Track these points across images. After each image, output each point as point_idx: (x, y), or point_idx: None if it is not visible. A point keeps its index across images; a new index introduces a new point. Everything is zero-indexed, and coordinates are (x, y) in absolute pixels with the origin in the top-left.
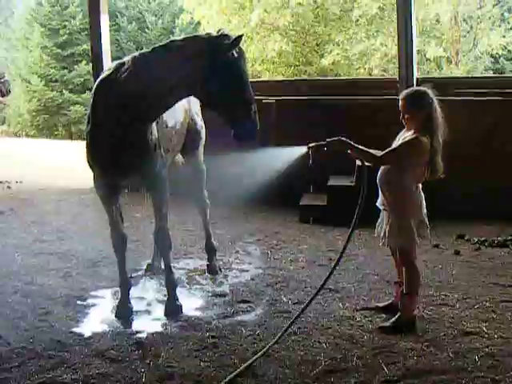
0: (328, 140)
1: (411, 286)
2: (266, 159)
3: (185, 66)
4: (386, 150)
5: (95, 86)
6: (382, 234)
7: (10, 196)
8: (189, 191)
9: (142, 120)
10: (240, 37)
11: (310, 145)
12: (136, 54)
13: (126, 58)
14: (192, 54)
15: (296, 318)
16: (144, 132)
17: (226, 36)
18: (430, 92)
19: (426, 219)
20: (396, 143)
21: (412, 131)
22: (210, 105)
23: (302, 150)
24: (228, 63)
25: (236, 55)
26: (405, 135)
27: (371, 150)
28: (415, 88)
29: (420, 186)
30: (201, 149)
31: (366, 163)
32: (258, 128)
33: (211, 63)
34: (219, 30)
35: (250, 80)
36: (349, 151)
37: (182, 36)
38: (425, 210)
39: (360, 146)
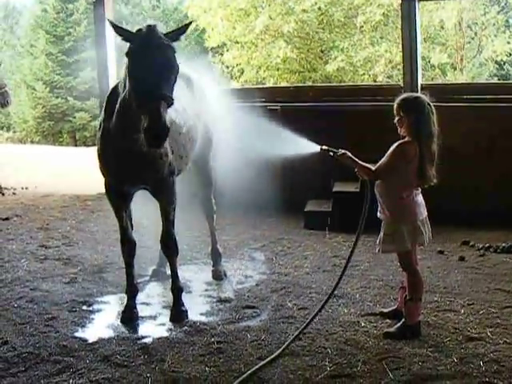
0: (337, 153)
1: (414, 291)
2: (282, 147)
3: None
4: (377, 165)
5: (109, 92)
6: (377, 241)
7: (15, 202)
8: (196, 197)
9: None
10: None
11: (323, 147)
12: None
13: None
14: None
15: (305, 327)
16: None
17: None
18: (423, 98)
19: (423, 226)
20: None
21: (405, 137)
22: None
23: (314, 148)
24: (130, 55)
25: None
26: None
27: (368, 165)
28: (408, 93)
29: (415, 192)
30: (211, 156)
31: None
32: (161, 133)
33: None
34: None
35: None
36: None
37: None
38: (421, 217)
39: (360, 162)
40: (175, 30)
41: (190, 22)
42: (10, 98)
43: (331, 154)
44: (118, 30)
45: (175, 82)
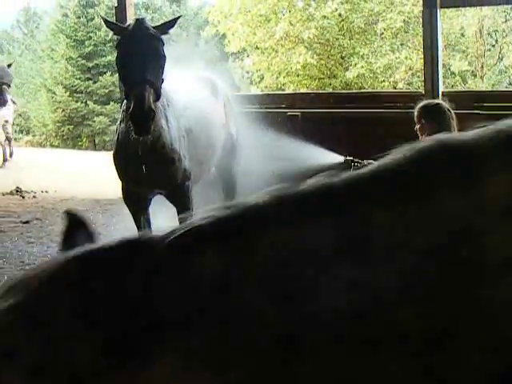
0: (361, 164)
1: None
2: (304, 155)
3: None
4: None
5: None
6: None
7: (35, 205)
8: (218, 202)
9: None
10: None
11: (348, 158)
12: None
13: None
14: None
15: None
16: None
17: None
18: (443, 105)
19: None
20: None
21: None
22: None
23: (338, 158)
24: (118, 46)
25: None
26: None
27: None
28: (428, 100)
29: None
30: (235, 162)
31: None
32: (146, 115)
33: None
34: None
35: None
36: None
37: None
38: None
39: None
40: (164, 23)
41: (179, 16)
42: (5, 98)
43: (355, 164)
44: (109, 24)
45: (162, 70)
